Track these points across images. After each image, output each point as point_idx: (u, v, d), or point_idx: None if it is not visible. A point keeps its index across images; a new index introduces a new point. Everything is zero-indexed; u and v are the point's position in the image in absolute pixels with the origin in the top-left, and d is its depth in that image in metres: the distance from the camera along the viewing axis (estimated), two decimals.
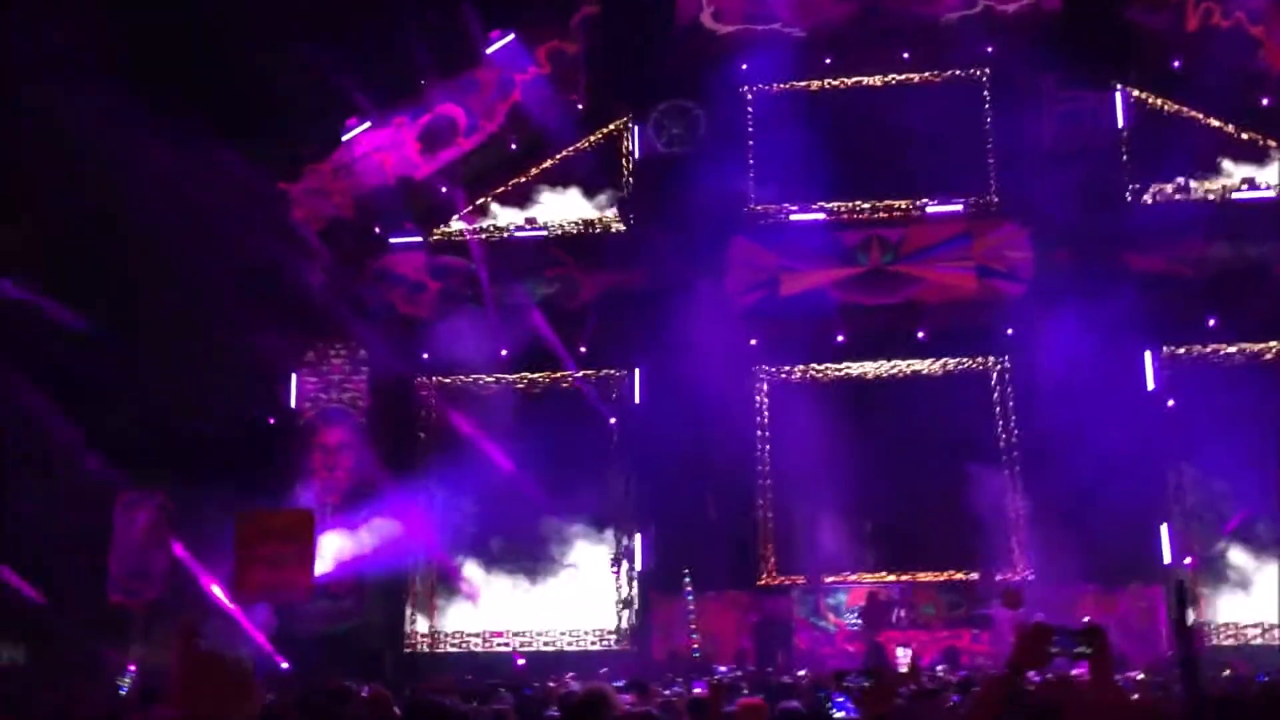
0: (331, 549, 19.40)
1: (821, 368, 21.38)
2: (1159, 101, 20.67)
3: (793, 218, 21.65)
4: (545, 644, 20.34)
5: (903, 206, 21.37)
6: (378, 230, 21.78)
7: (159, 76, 17.06)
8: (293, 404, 21.23)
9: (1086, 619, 16.47)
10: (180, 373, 18.91)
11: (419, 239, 22.03)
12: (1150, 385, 19.94)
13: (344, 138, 21.27)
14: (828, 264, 21.36)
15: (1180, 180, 20.09)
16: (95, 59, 17.10)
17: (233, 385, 20.07)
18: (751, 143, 21.87)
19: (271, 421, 20.57)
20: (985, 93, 21.51)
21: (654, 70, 21.59)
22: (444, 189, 21.93)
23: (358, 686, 8.98)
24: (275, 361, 20.95)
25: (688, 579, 19.50)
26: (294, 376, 21.29)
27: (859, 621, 19.43)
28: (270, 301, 20.34)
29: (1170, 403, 19.67)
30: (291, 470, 20.26)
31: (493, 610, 20.58)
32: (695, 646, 19.15)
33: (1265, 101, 20.22)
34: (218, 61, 18.35)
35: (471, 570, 20.62)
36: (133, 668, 13.88)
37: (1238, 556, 18.88)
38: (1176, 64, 20.35)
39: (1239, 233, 19.51)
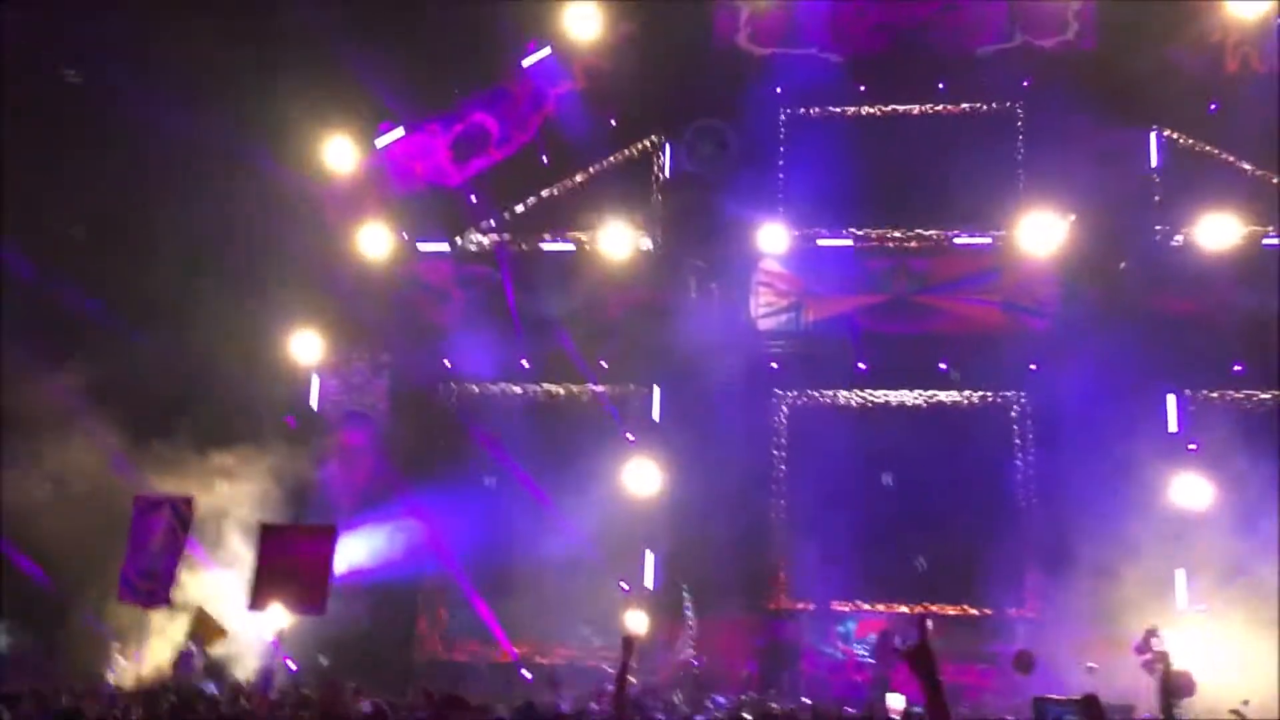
0: (346, 553, 19.50)
1: (842, 394, 21.32)
2: (1193, 143, 20.55)
3: (820, 243, 21.64)
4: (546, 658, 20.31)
5: (932, 237, 21.33)
6: (406, 236, 21.89)
7: (196, 71, 17.19)
8: (314, 405, 21.35)
9: (1092, 665, 16.37)
10: (209, 368, 19.06)
11: (447, 247, 22.15)
12: (1173, 428, 19.79)
13: (377, 142, 21.40)
14: (854, 290, 21.35)
15: (1211, 223, 19.91)
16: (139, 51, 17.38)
17: (260, 382, 20.25)
18: (783, 166, 21.88)
19: (293, 423, 20.62)
20: (1019, 127, 21.44)
21: (688, 90, 21.62)
22: (474, 198, 22.04)
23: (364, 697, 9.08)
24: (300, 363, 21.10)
25: (687, 595, 19.43)
26: (316, 378, 21.39)
27: (866, 653, 19.31)
28: (299, 302, 20.60)
29: (1192, 446, 19.50)
30: (311, 471, 20.34)
31: (501, 622, 20.57)
32: (695, 661, 19.07)
33: None
34: (257, 61, 18.51)
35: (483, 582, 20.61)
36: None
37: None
38: (1213, 107, 20.24)
39: (1268, 280, 19.35)
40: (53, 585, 16.04)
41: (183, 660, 15.02)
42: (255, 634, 12.96)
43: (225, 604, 15.13)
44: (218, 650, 14.93)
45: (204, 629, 14.30)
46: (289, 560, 8.31)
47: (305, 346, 20.96)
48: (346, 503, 20.07)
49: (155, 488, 13.22)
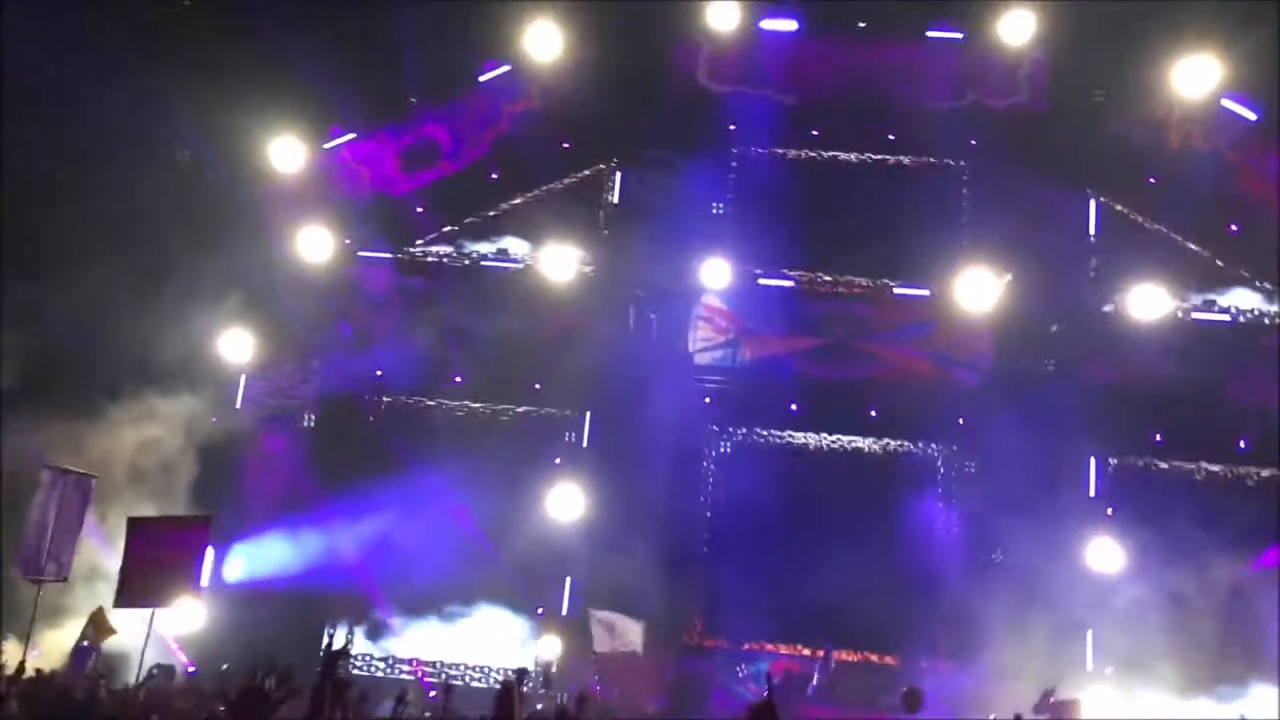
0: (256, 556, 19.15)
1: (774, 434, 21.38)
2: (1131, 213, 20.95)
3: (762, 281, 21.73)
4: (457, 678, 20.00)
5: (872, 285, 21.51)
6: (348, 242, 21.65)
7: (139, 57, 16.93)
8: (238, 405, 20.97)
9: (994, 717, 16.44)
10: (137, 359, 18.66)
11: (388, 255, 21.95)
12: (1092, 491, 20.05)
13: (326, 146, 21.19)
14: (792, 331, 21.46)
15: (1142, 293, 20.25)
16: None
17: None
18: (730, 202, 22.00)
19: (213, 420, 20.19)
20: (964, 183, 21.74)
21: (643, 119, 21.63)
22: (420, 209, 21.89)
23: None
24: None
25: (596, 623, 19.14)
26: (242, 378, 21.02)
27: (769, 693, 19.20)
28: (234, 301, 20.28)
29: (1109, 510, 19.76)
30: (227, 473, 19.94)
31: (409, 639, 20.28)
32: (595, 688, 18.85)
33: (1234, 228, 20.53)
34: (207, 58, 18.29)
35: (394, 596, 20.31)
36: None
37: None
38: (1152, 179, 20.65)
39: (1193, 352, 19.72)
40: None
41: (77, 656, 14.63)
42: (147, 633, 12.61)
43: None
44: (109, 646, 14.52)
45: (99, 627, 13.92)
46: (157, 553, 8.09)
47: (235, 345, 20.58)
48: (261, 506, 19.70)
49: (54, 459, 12.81)
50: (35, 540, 9.82)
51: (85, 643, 14.45)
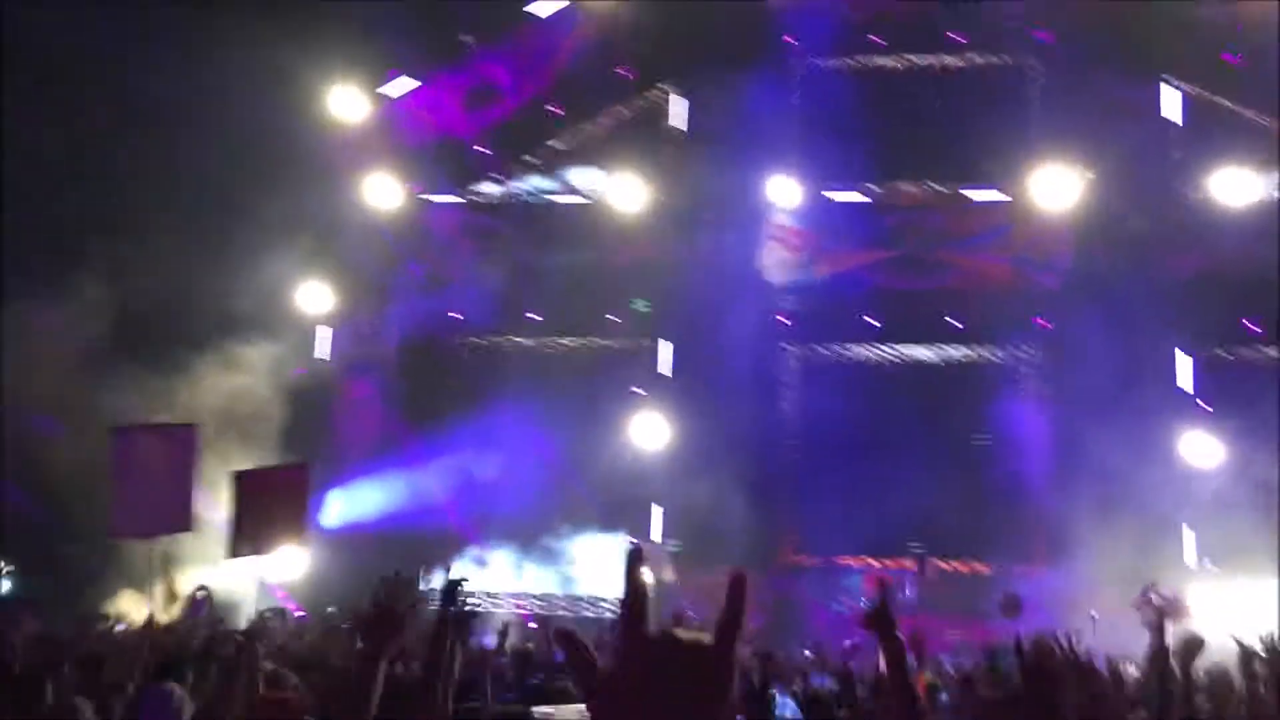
0: (350, 501, 19.61)
1: (852, 349, 21.23)
2: (1212, 96, 20.20)
3: (832, 196, 21.44)
4: (555, 610, 20.40)
5: (944, 192, 21.11)
6: (416, 188, 21.79)
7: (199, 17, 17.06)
8: (320, 355, 21.36)
9: (1094, 614, 16.32)
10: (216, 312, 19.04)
11: (457, 198, 22.05)
12: (1183, 385, 19.63)
13: (386, 92, 21.26)
14: (865, 246, 21.20)
15: (1228, 178, 19.60)
16: None
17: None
18: (795, 118, 21.65)
19: (300, 372, 20.61)
20: (1035, 81, 21.14)
21: (701, 40, 21.33)
22: (484, 149, 21.92)
23: None
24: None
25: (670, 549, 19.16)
26: (322, 329, 21.39)
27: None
28: (308, 252, 20.55)
29: (1203, 404, 19.35)
30: (316, 421, 20.37)
31: (505, 574, 20.68)
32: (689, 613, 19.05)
33: None
34: (264, 7, 18.35)
35: (487, 532, 20.68)
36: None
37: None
38: (1232, 58, 19.85)
39: None
40: (58, 522, 16.14)
41: (195, 607, 15.10)
42: (255, 580, 13.00)
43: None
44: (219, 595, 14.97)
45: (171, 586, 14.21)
46: (264, 502, 8.29)
47: (313, 297, 20.94)
48: (353, 453, 20.14)
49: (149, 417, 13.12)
50: (128, 502, 9.92)
51: (200, 593, 14.91)
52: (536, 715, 4.24)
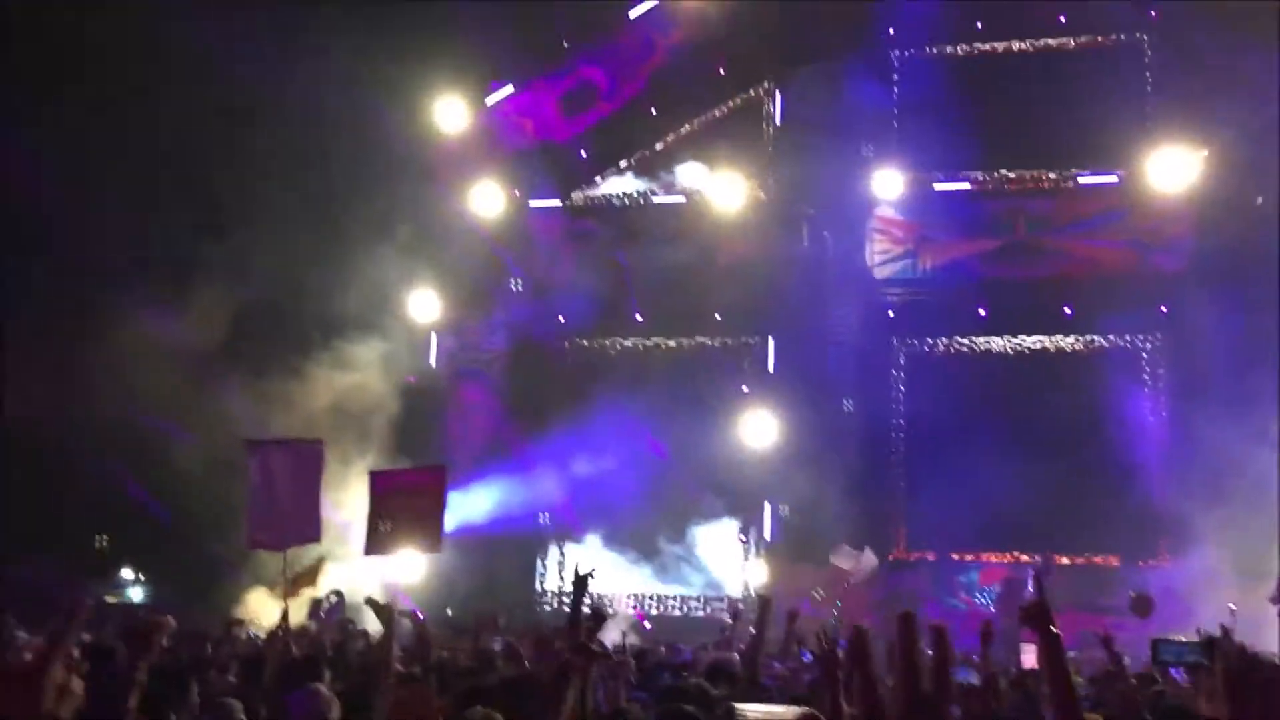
0: (465, 506, 19.83)
1: (962, 341, 20.84)
2: None
3: (937, 186, 21.09)
4: (669, 609, 20.43)
5: (1053, 177, 20.60)
6: (518, 193, 22.02)
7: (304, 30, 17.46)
8: (433, 363, 21.73)
9: (1233, 606, 15.75)
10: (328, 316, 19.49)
11: (558, 202, 22.23)
12: None
13: (488, 100, 21.53)
14: (971, 235, 20.82)
15: None
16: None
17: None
18: (896, 109, 21.35)
19: (412, 380, 20.99)
20: (1146, 58, 20.50)
21: (798, 35, 21.16)
22: (583, 153, 22.05)
23: None
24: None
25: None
26: (434, 336, 21.75)
27: (990, 602, 18.94)
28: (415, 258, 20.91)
29: None
30: (429, 426, 20.71)
31: (618, 573, 20.75)
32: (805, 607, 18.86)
33: None
34: (367, 20, 18.72)
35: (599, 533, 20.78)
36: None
37: None
38: None
39: None
40: (187, 529, 16.66)
41: (328, 611, 15.40)
42: (380, 582, 13.22)
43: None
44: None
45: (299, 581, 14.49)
46: (401, 502, 8.45)
47: (423, 305, 21.30)
48: (464, 457, 20.38)
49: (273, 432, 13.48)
50: (261, 514, 10.22)
51: (333, 598, 15.27)
52: (750, 715, 4.21)
